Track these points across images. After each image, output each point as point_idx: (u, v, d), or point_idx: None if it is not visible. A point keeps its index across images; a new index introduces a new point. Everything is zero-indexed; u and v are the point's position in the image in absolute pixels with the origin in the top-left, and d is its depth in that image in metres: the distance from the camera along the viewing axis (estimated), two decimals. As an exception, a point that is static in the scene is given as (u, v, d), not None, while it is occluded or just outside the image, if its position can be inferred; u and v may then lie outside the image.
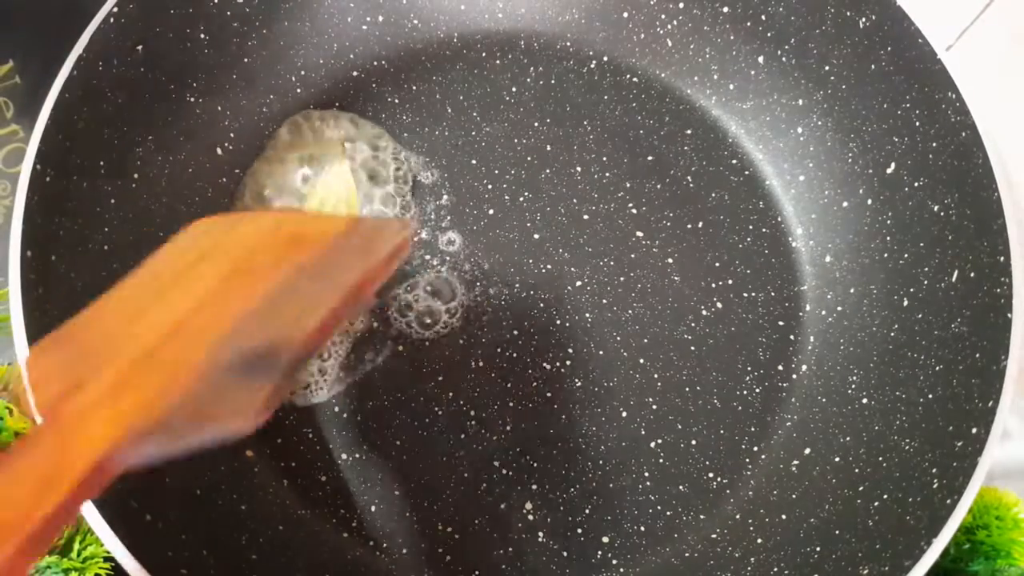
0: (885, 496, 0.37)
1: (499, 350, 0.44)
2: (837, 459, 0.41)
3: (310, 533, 0.40)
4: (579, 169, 0.49)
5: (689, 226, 0.48)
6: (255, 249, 0.28)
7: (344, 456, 0.42)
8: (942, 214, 0.41)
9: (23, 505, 0.20)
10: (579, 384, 0.44)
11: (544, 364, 0.44)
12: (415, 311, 0.45)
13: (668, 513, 0.42)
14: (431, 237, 0.47)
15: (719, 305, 0.46)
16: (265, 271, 0.27)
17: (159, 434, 0.23)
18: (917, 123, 0.42)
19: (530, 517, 0.41)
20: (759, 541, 0.40)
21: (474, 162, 0.49)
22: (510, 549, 0.41)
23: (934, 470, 0.36)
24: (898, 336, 0.42)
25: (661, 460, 0.43)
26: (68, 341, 0.26)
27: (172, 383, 0.24)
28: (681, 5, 0.50)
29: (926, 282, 0.41)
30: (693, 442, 0.43)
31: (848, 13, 0.44)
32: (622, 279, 0.46)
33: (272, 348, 0.26)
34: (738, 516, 0.42)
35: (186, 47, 0.44)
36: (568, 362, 0.44)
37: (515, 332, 0.45)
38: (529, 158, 0.49)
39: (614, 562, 0.41)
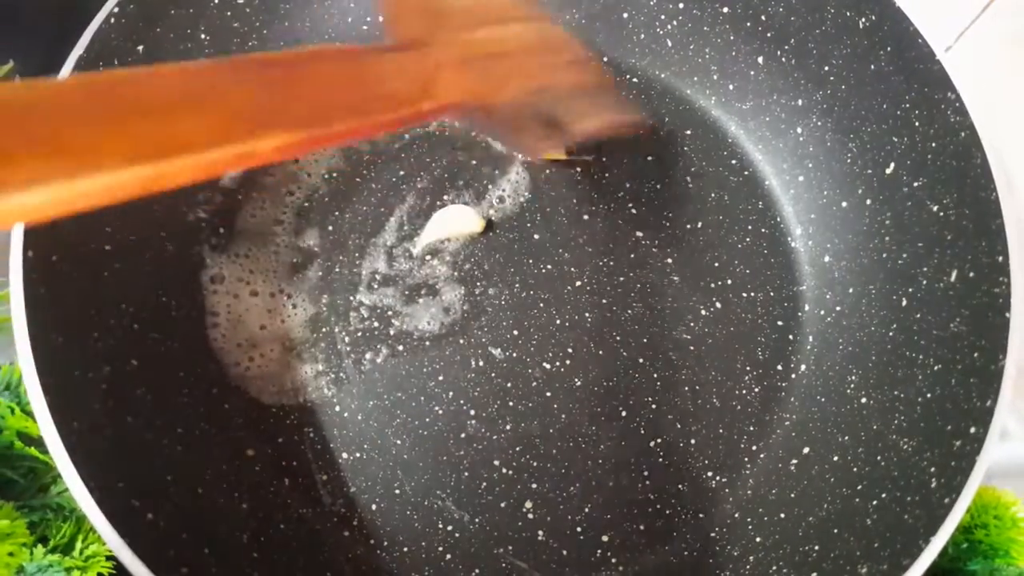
0: (884, 495, 0.38)
1: (499, 350, 0.45)
2: (836, 458, 0.41)
3: (310, 533, 0.41)
4: (579, 169, 0.49)
5: (689, 226, 0.48)
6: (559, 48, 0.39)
7: (344, 456, 0.42)
8: (941, 214, 0.41)
9: (406, 92, 0.28)
10: (579, 384, 0.44)
11: (544, 364, 0.44)
12: (415, 311, 0.45)
13: (667, 512, 0.42)
14: (431, 236, 0.47)
15: (718, 305, 0.46)
16: (561, 68, 0.38)
17: (479, 116, 0.32)
18: (916, 123, 0.42)
19: (530, 516, 0.41)
20: (758, 540, 0.40)
21: (474, 162, 0.49)
22: (510, 548, 0.41)
23: (932, 469, 0.36)
24: (897, 336, 0.42)
25: (661, 459, 0.43)
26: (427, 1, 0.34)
27: (505, 88, 0.32)
28: (681, 5, 0.50)
29: (925, 282, 0.41)
30: (692, 441, 0.43)
31: (848, 13, 0.44)
32: (622, 279, 0.46)
33: (555, 119, 0.35)
34: (737, 515, 0.42)
35: (186, 47, 0.44)
36: (568, 362, 0.44)
37: (515, 332, 0.45)
38: (528, 158, 0.49)
39: (613, 561, 0.41)
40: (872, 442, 0.40)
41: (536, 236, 0.47)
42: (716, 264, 0.47)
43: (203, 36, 0.45)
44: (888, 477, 0.38)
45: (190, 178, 0.23)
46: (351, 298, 0.46)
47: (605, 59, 0.52)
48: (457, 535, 0.41)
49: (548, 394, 0.44)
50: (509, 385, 0.44)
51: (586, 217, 0.48)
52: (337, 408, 0.43)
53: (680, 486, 0.42)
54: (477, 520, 0.41)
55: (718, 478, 0.43)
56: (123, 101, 0.23)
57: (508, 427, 0.43)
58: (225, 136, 0.24)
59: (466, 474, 0.42)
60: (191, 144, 0.23)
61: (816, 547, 0.38)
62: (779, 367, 0.45)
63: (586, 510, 0.42)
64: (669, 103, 0.51)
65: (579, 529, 0.41)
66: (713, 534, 0.41)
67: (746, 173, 0.50)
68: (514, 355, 0.44)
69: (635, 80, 0.51)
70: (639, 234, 0.48)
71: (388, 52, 0.31)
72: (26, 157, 0.20)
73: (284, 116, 0.25)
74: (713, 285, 0.47)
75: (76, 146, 0.22)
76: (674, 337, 0.45)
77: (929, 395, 0.39)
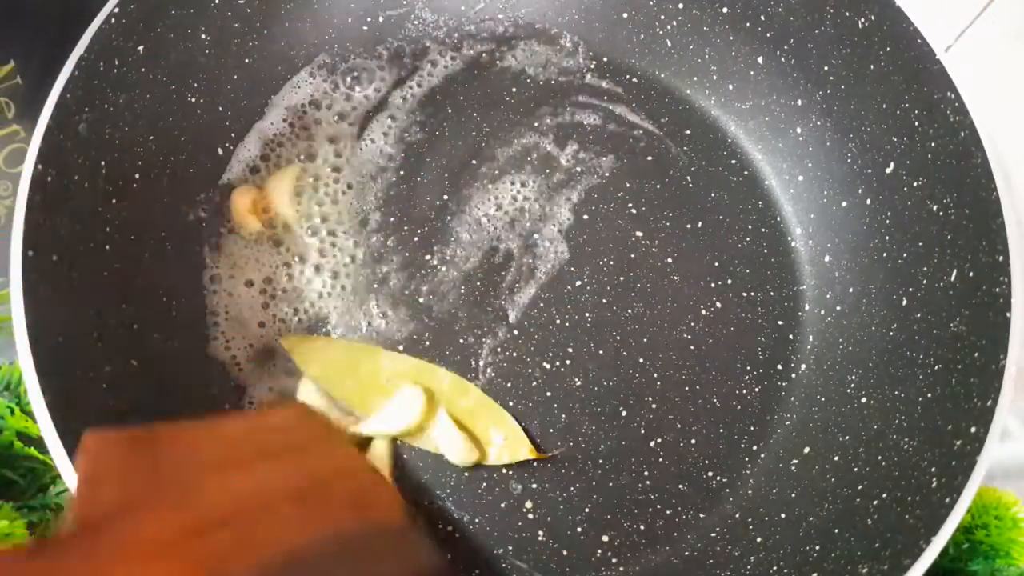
0: (884, 495, 0.37)
1: (499, 349, 0.45)
2: (836, 458, 0.41)
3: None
4: (579, 169, 0.49)
5: (689, 226, 0.48)
6: (333, 484, 0.27)
7: (344, 456, 0.42)
8: (941, 214, 0.41)
9: None
10: (579, 384, 0.44)
11: (544, 364, 0.44)
12: (415, 312, 0.45)
13: (668, 512, 0.42)
14: (432, 236, 0.47)
15: (719, 305, 0.46)
16: (335, 514, 0.26)
17: None
18: (916, 123, 0.42)
19: (530, 517, 0.41)
20: (759, 540, 0.40)
21: (474, 162, 0.49)
22: (510, 549, 0.41)
23: (933, 469, 0.36)
24: (897, 335, 0.42)
25: (661, 459, 0.43)
26: (144, 451, 0.24)
27: (243, 564, 0.21)
28: (681, 5, 0.50)
29: (925, 281, 0.41)
30: (693, 441, 0.43)
31: (848, 13, 0.44)
32: (622, 279, 0.46)
33: None
34: (738, 515, 0.42)
35: (186, 47, 0.44)
36: (568, 362, 0.44)
37: (515, 332, 0.45)
38: (528, 158, 0.49)
39: (614, 561, 0.41)
40: (873, 442, 0.40)
41: (536, 236, 0.47)
42: (716, 264, 0.47)
43: (203, 36, 0.45)
44: (889, 477, 0.38)
45: None
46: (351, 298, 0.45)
47: (605, 59, 0.52)
48: (457, 535, 0.41)
49: (548, 394, 0.44)
50: (509, 385, 0.44)
51: (586, 217, 0.48)
52: (337, 408, 0.43)
53: (680, 486, 0.42)
54: (477, 520, 0.41)
55: (718, 478, 0.43)
56: None
57: (508, 427, 0.43)
58: None
59: (466, 474, 0.42)
60: None
61: (817, 547, 0.38)
62: (779, 367, 0.45)
63: (586, 510, 0.42)
64: (669, 103, 0.51)
65: (579, 529, 0.41)
66: (714, 534, 0.41)
67: (746, 173, 0.50)
68: (514, 354, 0.44)
69: (635, 80, 0.51)
70: (639, 234, 0.48)
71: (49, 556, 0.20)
72: None
73: None
74: (713, 285, 0.47)
75: None
76: (674, 337, 0.45)
77: (930, 395, 0.39)
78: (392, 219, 0.47)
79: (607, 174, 0.49)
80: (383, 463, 0.41)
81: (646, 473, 0.42)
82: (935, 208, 0.41)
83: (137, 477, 0.23)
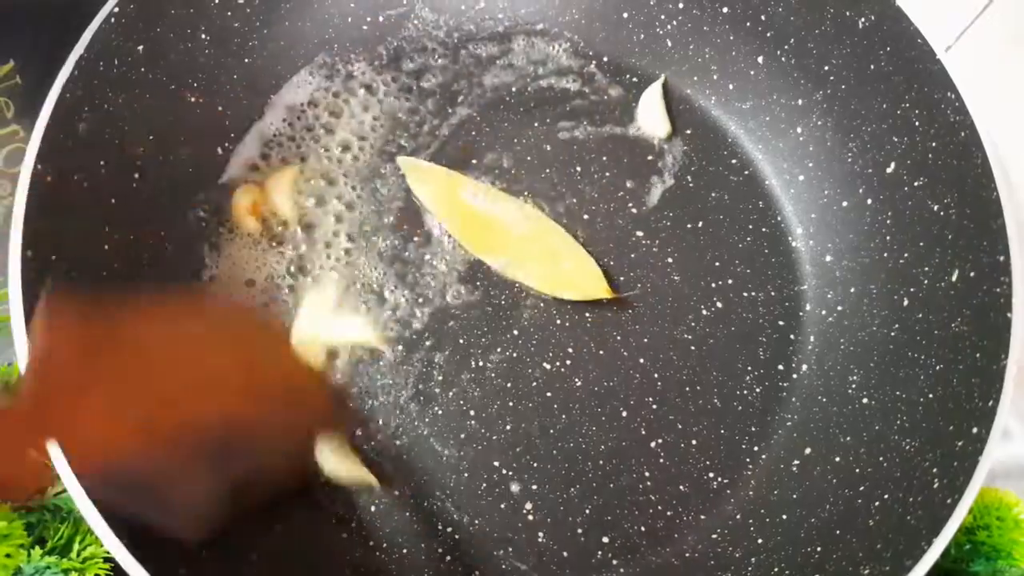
0: (886, 496, 0.37)
1: (499, 349, 0.44)
2: (838, 459, 0.41)
3: (310, 533, 0.40)
4: (579, 169, 0.49)
5: (689, 226, 0.48)
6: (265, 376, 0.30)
7: (344, 456, 0.42)
8: (942, 214, 0.41)
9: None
10: (579, 384, 0.44)
11: (544, 364, 0.44)
12: (415, 311, 0.45)
13: (668, 513, 0.42)
14: (432, 235, 0.47)
15: (719, 305, 0.46)
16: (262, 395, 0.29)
17: (112, 480, 0.23)
18: (916, 123, 0.42)
19: (530, 517, 0.41)
20: (760, 541, 0.40)
21: (474, 161, 0.49)
22: (510, 549, 0.41)
23: (935, 470, 0.36)
24: (898, 335, 0.42)
25: (661, 460, 0.43)
26: (93, 324, 0.26)
27: (159, 442, 0.24)
28: (681, 5, 0.50)
29: (926, 281, 0.41)
30: (693, 442, 0.43)
31: (848, 13, 0.44)
32: (622, 279, 0.46)
33: (235, 486, 0.27)
34: (739, 516, 0.42)
35: (186, 47, 0.44)
36: (568, 362, 0.44)
37: (515, 332, 0.45)
38: (528, 158, 0.49)
39: (614, 562, 0.41)
40: (874, 442, 0.40)
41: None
42: (716, 264, 0.47)
43: (203, 36, 0.45)
44: (890, 478, 0.38)
45: None
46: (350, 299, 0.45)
47: (605, 59, 0.52)
48: (457, 536, 0.41)
49: (548, 394, 0.44)
50: (509, 385, 0.44)
51: (586, 217, 0.48)
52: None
53: (681, 487, 0.42)
54: (477, 521, 0.41)
55: (719, 479, 0.43)
56: None
57: (508, 427, 0.43)
58: None
59: (466, 474, 0.42)
60: None
61: (818, 548, 0.38)
62: (780, 367, 0.45)
63: (586, 511, 0.41)
64: (669, 103, 0.51)
65: (579, 530, 0.41)
66: (715, 535, 0.41)
67: (746, 173, 0.49)
68: (514, 355, 0.44)
69: (635, 80, 0.51)
70: (639, 234, 0.48)
71: None
72: None
73: None
74: (713, 285, 0.47)
75: None
76: (674, 337, 0.45)
77: (931, 395, 0.38)
78: (392, 218, 0.47)
79: (607, 174, 0.49)
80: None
81: (646, 474, 0.42)
82: (936, 208, 0.41)
83: (87, 345, 0.25)
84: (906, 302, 0.42)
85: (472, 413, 0.43)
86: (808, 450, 0.42)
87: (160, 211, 0.43)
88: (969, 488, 0.33)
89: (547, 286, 0.45)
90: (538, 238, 0.46)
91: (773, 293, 0.47)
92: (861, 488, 0.39)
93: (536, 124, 0.50)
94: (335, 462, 0.41)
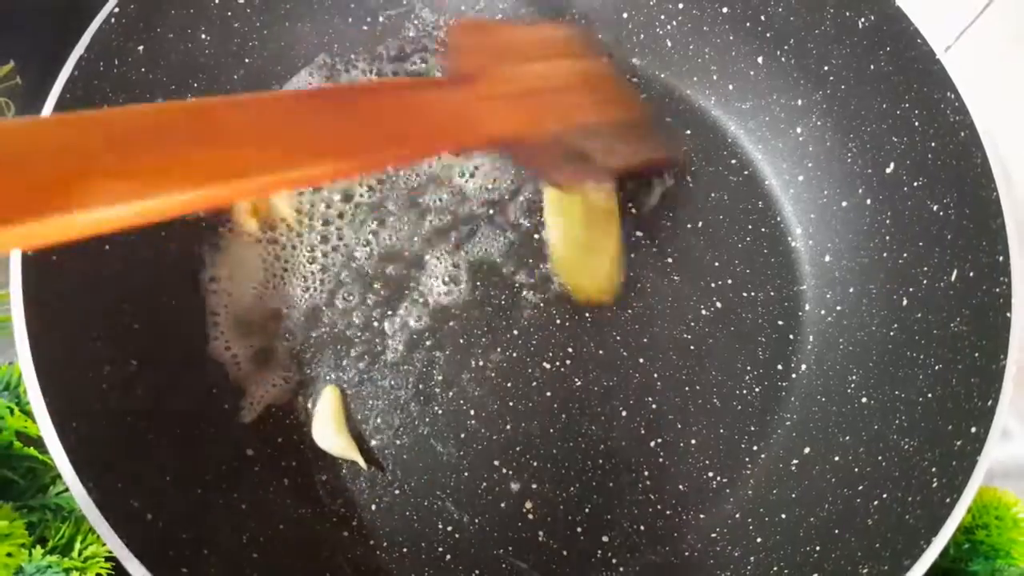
0: (884, 495, 0.37)
1: (499, 349, 0.45)
2: (837, 458, 0.41)
3: (310, 533, 0.40)
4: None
5: (689, 226, 0.48)
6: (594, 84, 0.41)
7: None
8: (941, 214, 0.41)
9: (448, 125, 0.31)
10: (579, 384, 0.44)
11: (544, 364, 0.44)
12: (415, 311, 0.45)
13: (668, 512, 0.42)
14: (432, 234, 0.47)
15: (719, 305, 0.46)
16: (602, 106, 0.41)
17: (515, 149, 0.35)
18: (916, 123, 0.42)
19: (530, 517, 0.41)
20: (759, 540, 0.40)
21: (474, 164, 0.49)
22: (510, 549, 0.41)
23: (933, 469, 0.36)
24: (897, 335, 0.42)
25: (661, 460, 0.43)
26: (489, 35, 0.37)
27: (542, 123, 0.35)
28: (681, 5, 0.50)
29: (925, 281, 0.41)
30: (693, 442, 0.43)
31: (848, 13, 0.44)
32: (622, 279, 0.46)
33: (587, 155, 0.37)
34: (738, 515, 0.42)
35: (186, 47, 0.44)
36: (568, 362, 0.44)
37: (515, 332, 0.45)
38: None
39: (614, 562, 0.41)
40: (873, 442, 0.40)
41: (536, 236, 0.47)
42: (716, 264, 0.47)
43: (203, 36, 0.45)
44: (889, 477, 0.38)
45: (247, 198, 0.27)
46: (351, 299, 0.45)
47: (605, 59, 0.52)
48: (457, 535, 0.41)
49: (548, 394, 0.44)
50: (509, 385, 0.44)
51: (586, 217, 0.48)
52: (337, 408, 0.43)
53: (681, 486, 0.42)
54: (477, 520, 0.41)
55: (719, 478, 0.43)
56: (192, 131, 0.25)
57: (508, 427, 0.43)
58: (283, 164, 0.26)
59: (466, 474, 0.42)
60: (252, 170, 0.26)
61: (817, 547, 0.38)
62: (780, 367, 0.45)
63: (586, 510, 0.42)
64: (669, 103, 0.51)
65: (579, 529, 0.41)
66: (714, 535, 0.41)
67: (746, 173, 0.50)
68: (514, 355, 0.44)
69: (635, 80, 0.51)
70: (639, 234, 0.48)
71: (435, 86, 0.34)
72: (104, 178, 0.23)
73: (336, 146, 0.28)
74: (713, 285, 0.47)
75: (147, 170, 0.24)
76: (674, 337, 0.45)
77: (930, 395, 0.39)
78: (392, 218, 0.47)
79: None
80: None
81: (646, 473, 0.42)
82: (935, 208, 0.41)
83: (482, 54, 0.36)
84: (905, 302, 0.42)
85: (472, 413, 0.43)
86: (807, 449, 0.42)
87: (160, 211, 0.43)
88: (968, 487, 0.33)
89: (564, 270, 0.46)
90: (595, 225, 0.46)
91: (772, 293, 0.47)
92: (860, 487, 0.39)
93: (536, 124, 0.50)
94: (329, 437, 0.42)
